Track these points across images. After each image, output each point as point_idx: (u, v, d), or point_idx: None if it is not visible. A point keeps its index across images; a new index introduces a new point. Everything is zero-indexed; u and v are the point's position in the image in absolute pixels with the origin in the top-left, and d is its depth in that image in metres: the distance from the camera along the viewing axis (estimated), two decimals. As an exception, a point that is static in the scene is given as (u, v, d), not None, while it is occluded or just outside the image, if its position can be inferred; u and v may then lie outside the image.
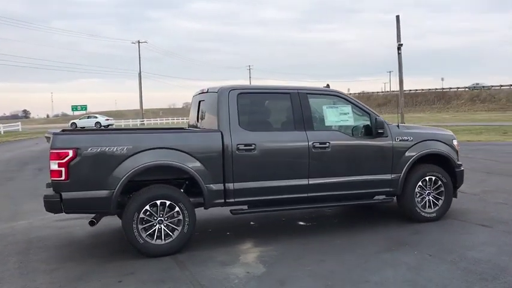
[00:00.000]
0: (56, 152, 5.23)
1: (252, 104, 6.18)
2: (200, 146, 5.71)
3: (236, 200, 5.86)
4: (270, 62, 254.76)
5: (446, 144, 6.92)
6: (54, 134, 5.33)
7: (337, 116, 6.43)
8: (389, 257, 5.27)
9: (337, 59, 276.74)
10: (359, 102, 6.58)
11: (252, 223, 7.10)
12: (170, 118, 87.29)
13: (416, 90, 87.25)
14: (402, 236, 6.12)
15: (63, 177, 5.22)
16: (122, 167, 5.38)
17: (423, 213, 6.70)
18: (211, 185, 5.71)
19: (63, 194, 5.25)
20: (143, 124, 68.95)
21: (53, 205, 5.29)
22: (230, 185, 5.78)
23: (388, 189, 6.54)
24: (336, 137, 6.27)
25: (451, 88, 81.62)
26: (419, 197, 6.69)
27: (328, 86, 6.81)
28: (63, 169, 5.22)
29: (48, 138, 5.78)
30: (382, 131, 6.36)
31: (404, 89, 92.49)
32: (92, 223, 5.57)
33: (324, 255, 5.42)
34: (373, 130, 6.39)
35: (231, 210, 5.98)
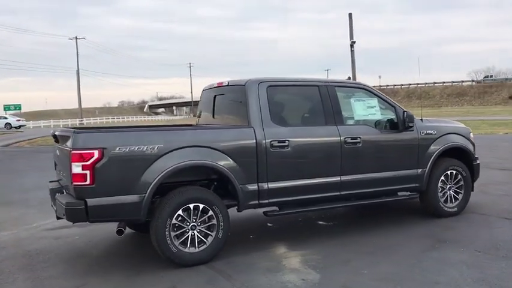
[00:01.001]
0: (79, 153, 4.57)
1: (282, 98, 5.78)
2: (233, 144, 5.23)
3: (270, 200, 5.43)
4: (207, 60, 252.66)
5: (464, 137, 6.84)
6: (76, 131, 4.66)
7: (364, 110, 6.16)
8: (440, 256, 5.04)
9: (274, 57, 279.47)
10: (384, 95, 6.35)
11: (269, 224, 6.69)
12: (105, 117, 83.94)
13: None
14: (435, 232, 5.95)
15: (87, 182, 4.58)
16: (153, 168, 4.81)
17: (446, 208, 6.58)
18: (245, 185, 5.25)
19: (88, 200, 4.60)
20: (82, 124, 65.97)
21: (77, 213, 4.63)
22: (264, 185, 5.35)
23: (414, 185, 6.35)
24: (365, 131, 5.99)
25: (388, 85, 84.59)
26: (441, 191, 6.56)
27: (349, 78, 6.52)
28: (87, 172, 4.57)
29: (59, 137, 5.10)
30: (412, 125, 6.16)
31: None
32: (120, 232, 4.93)
33: (371, 256, 5.12)
34: (399, 124, 6.17)
35: (264, 212, 5.54)
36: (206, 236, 5.07)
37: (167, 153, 4.87)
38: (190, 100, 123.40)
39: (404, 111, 6.16)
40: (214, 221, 5.07)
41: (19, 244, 6.19)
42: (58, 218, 5.53)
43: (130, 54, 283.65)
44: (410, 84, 79.30)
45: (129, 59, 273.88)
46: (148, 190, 4.77)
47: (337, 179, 5.76)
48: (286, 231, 6.34)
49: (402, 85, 79.45)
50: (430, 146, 6.43)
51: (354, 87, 6.25)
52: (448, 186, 6.62)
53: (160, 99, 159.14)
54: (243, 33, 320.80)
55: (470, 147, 6.86)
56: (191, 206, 4.97)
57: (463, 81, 74.52)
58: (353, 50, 28.96)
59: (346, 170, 5.80)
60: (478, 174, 6.99)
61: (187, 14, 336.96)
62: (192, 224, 5.00)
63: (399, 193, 6.50)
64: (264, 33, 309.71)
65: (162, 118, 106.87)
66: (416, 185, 6.35)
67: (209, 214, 5.05)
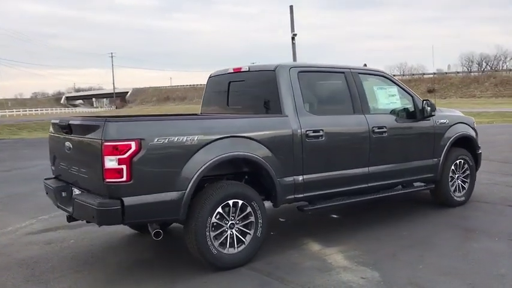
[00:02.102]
0: (114, 145, 3.93)
1: (312, 84, 5.41)
2: (270, 134, 4.80)
3: (305, 195, 5.06)
4: (128, 50, 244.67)
5: (470, 126, 6.87)
6: (108, 120, 4.00)
7: (386, 98, 5.97)
8: (482, 246, 4.96)
9: (196, 48, 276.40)
10: (402, 84, 6.19)
11: (281, 219, 6.33)
12: (16, 110, 77.80)
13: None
14: (455, 222, 5.90)
15: (124, 178, 3.95)
16: (193, 162, 4.27)
17: (455, 198, 6.59)
18: (283, 179, 4.85)
19: (125, 199, 3.97)
20: (5, 116, 60.83)
21: (111, 215, 3.98)
22: (299, 178, 4.97)
23: (430, 175, 6.26)
24: (389, 120, 5.78)
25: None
26: (451, 181, 6.55)
27: (365, 65, 6.30)
28: (124, 167, 3.94)
29: (76, 126, 4.41)
30: (434, 114, 6.06)
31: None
32: (158, 234, 4.32)
33: (413, 249, 4.92)
34: (417, 113, 6.03)
35: (299, 207, 5.15)
36: (244, 235, 4.62)
37: (207, 144, 4.35)
38: (111, 91, 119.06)
39: (424, 100, 6.04)
40: (253, 218, 4.63)
41: (4, 252, 5.34)
42: (71, 220, 4.87)
43: (43, 42, 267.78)
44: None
45: (42, 47, 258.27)
46: (189, 186, 4.22)
47: (366, 170, 5.51)
48: (305, 226, 6.00)
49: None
50: (444, 135, 6.38)
51: (375, 74, 6.01)
52: (457, 175, 6.62)
53: (78, 90, 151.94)
54: (164, 23, 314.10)
55: (475, 136, 6.91)
56: (230, 202, 4.50)
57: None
58: (294, 43, 29.02)
59: (373, 161, 5.57)
60: (480, 163, 7.07)
61: (106, 2, 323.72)
62: (230, 223, 4.52)
63: (415, 184, 6.39)
64: (186, 24, 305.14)
65: (83, 110, 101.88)
66: (432, 175, 6.27)
67: (247, 211, 4.60)
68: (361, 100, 5.56)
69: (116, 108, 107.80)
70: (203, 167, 4.28)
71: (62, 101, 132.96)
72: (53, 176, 5.27)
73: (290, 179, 4.89)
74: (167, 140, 4.13)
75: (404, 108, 6.02)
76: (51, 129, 5.17)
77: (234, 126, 4.64)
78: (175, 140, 4.18)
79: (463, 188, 6.70)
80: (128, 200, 3.97)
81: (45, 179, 5.28)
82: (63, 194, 4.79)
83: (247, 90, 5.55)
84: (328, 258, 4.76)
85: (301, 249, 5.06)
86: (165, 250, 5.29)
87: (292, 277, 4.28)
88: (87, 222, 4.70)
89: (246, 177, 4.91)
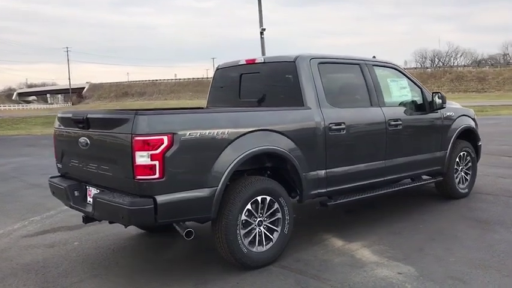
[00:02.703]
0: (145, 140, 3.67)
1: (332, 76, 5.27)
2: (295, 127, 4.64)
3: (328, 189, 4.94)
4: (84, 44, 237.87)
5: (471, 118, 6.93)
6: (138, 113, 3.73)
7: (398, 90, 5.92)
8: (502, 238, 4.97)
9: (154, 43, 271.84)
10: (412, 76, 6.16)
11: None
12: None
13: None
14: (467, 214, 5.93)
15: (156, 175, 3.70)
16: (225, 156, 4.06)
17: (460, 190, 6.64)
18: (308, 173, 4.70)
19: (157, 197, 3.72)
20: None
21: (144, 215, 3.72)
22: (322, 172, 4.84)
23: (437, 167, 6.27)
24: (402, 113, 5.73)
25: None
26: (455, 173, 6.59)
27: (374, 57, 6.22)
28: (156, 163, 3.69)
29: (98, 120, 4.12)
30: (445, 106, 6.05)
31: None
32: (189, 234, 4.06)
33: (437, 243, 4.88)
34: (426, 105, 6.01)
35: (321, 202, 5.01)
36: (272, 232, 4.45)
37: (238, 138, 4.15)
38: (67, 87, 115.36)
39: (434, 93, 6.03)
40: (280, 215, 4.47)
41: (4, 257, 4.97)
42: (88, 220, 4.58)
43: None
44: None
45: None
46: (221, 182, 4.01)
47: (383, 163, 5.44)
48: (319, 222, 5.87)
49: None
50: (450, 128, 6.40)
51: (387, 66, 5.94)
52: (461, 167, 6.67)
53: (30, 86, 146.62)
54: (120, 18, 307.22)
55: (476, 128, 6.98)
56: (259, 198, 4.32)
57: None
58: (263, 38, 28.90)
59: (389, 154, 5.51)
60: (480, 155, 7.16)
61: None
62: (259, 220, 4.34)
63: (423, 177, 6.39)
64: (142, 18, 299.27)
65: (38, 107, 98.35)
66: (439, 167, 6.28)
67: (275, 207, 4.43)
68: (377, 92, 5.49)
69: (72, 104, 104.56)
70: (235, 162, 4.08)
71: (13, 97, 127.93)
72: (59, 174, 4.93)
73: (314, 173, 4.76)
74: (199, 133, 3.91)
75: (414, 101, 6.00)
76: (57, 124, 4.83)
77: (261, 119, 4.45)
78: (207, 133, 3.96)
79: (466, 179, 6.76)
80: (161, 199, 3.73)
81: (51, 177, 4.93)
82: (76, 193, 4.48)
83: (263, 83, 5.36)
84: (356, 254, 4.65)
85: (324, 245, 4.94)
86: (181, 249, 5.06)
87: (326, 274, 4.15)
88: (109, 223, 4.40)
89: (268, 172, 4.74)
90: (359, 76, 5.43)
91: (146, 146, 3.66)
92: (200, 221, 4.17)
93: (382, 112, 5.43)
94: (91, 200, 4.26)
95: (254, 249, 4.29)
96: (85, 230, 5.74)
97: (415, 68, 76.28)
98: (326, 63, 5.15)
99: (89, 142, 4.20)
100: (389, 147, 5.50)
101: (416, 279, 4.00)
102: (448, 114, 6.36)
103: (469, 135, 6.82)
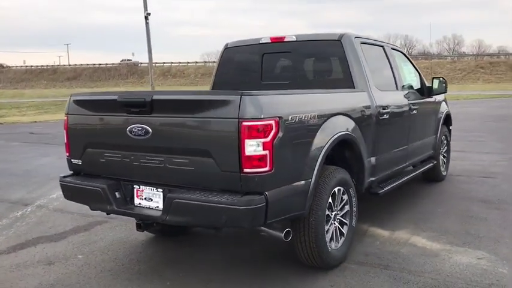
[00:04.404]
0: (255, 125, 3.02)
1: (370, 58, 4.95)
2: (358, 111, 4.27)
3: (376, 177, 4.67)
4: None
5: (446, 104, 7.20)
6: (245, 94, 3.04)
7: (409, 75, 5.86)
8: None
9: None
10: (412, 61, 6.15)
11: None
12: None
13: (107, 64, 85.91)
14: (463, 195, 6.12)
15: (267, 167, 3.08)
16: (316, 144, 3.56)
17: (443, 172, 6.87)
18: (367, 160, 4.39)
19: (268, 193, 3.10)
20: None
21: (258, 215, 3.06)
22: (373, 159, 4.56)
23: (431, 152, 6.38)
24: (415, 97, 5.68)
25: (142, 63, 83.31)
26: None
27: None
28: (267, 153, 3.07)
29: (120, 103, 3.34)
30: (447, 91, 6.14)
31: (87, 62, 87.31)
32: (289, 234, 3.44)
33: (476, 225, 4.90)
34: (425, 90, 6.04)
35: (373, 192, 4.71)
36: (342, 226, 4.05)
37: (324, 122, 3.66)
38: None
39: (435, 78, 6.08)
40: (348, 207, 4.09)
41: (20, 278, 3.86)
42: (145, 228, 3.75)
43: None
44: (164, 63, 79.95)
45: None
46: (314, 173, 3.51)
47: (406, 148, 5.34)
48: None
49: (156, 63, 79.66)
50: (439, 112, 6.57)
51: (397, 50, 5.83)
52: (442, 151, 6.90)
53: None
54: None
55: None
56: (336, 190, 3.89)
57: (214, 62, 79.81)
58: (148, 23, 27.47)
59: (411, 139, 5.44)
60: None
61: None
62: (334, 213, 3.92)
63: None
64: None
65: None
66: (433, 151, 6.40)
67: (345, 199, 4.04)
68: (400, 76, 5.37)
69: None
70: (325, 149, 3.60)
71: None
72: (73, 173, 3.94)
73: (369, 160, 4.46)
74: (297, 118, 3.35)
75: (418, 85, 6.00)
76: (73, 109, 3.83)
77: (335, 103, 4.00)
78: (304, 118, 3.42)
79: (444, 162, 7.01)
80: (271, 195, 3.12)
81: (64, 177, 3.92)
82: (117, 194, 3.60)
83: (297, 63, 4.88)
84: (414, 243, 4.46)
85: (373, 236, 4.67)
86: (218, 252, 4.39)
87: (412, 266, 3.90)
88: (192, 228, 3.61)
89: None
90: (385, 59, 5.25)
91: (256, 132, 3.02)
92: (292, 218, 3.58)
93: (405, 96, 5.31)
94: (150, 201, 3.47)
95: (333, 247, 3.86)
96: (71, 240, 4.82)
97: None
98: (365, 43, 4.85)
99: (150, 130, 3.36)
100: (411, 132, 5.42)
101: (501, 263, 3.94)
102: (438, 99, 6.51)
103: (447, 120, 7.08)
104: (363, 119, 4.29)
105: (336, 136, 3.73)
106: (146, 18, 27.27)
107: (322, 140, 3.60)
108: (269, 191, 3.10)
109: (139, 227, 3.77)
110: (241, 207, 3.00)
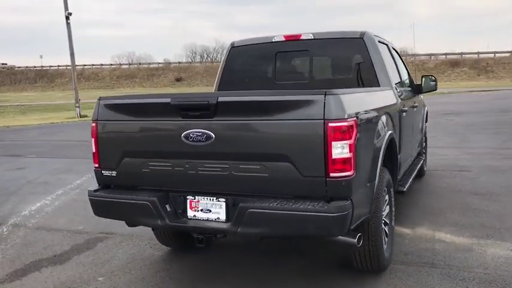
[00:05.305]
0: (341, 126, 2.84)
1: (385, 56, 4.93)
2: (390, 108, 4.22)
3: (400, 175, 4.66)
4: None
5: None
6: (329, 92, 2.84)
7: (404, 72, 5.92)
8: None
9: None
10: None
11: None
12: None
13: (16, 67, 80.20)
14: (452, 188, 6.33)
15: (351, 170, 2.91)
16: (376, 144, 3.45)
17: (424, 168, 7.07)
18: (399, 157, 4.36)
19: (353, 198, 2.94)
20: None
21: (345, 221, 2.88)
22: (399, 157, 4.54)
23: (419, 148, 6.53)
24: (412, 94, 5.74)
25: (51, 66, 78.65)
26: (420, 153, 6.99)
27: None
28: (351, 155, 2.91)
29: (175, 107, 3.07)
30: (436, 89, 6.27)
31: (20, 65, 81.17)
32: (360, 239, 3.26)
33: (487, 218, 5.06)
34: (414, 87, 6.16)
35: (401, 191, 4.67)
36: (385, 226, 3.99)
37: (378, 121, 3.57)
38: None
39: (424, 76, 6.20)
40: (389, 207, 4.03)
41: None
42: (202, 243, 3.38)
43: None
44: (76, 65, 75.86)
45: None
46: (377, 174, 3.40)
47: (413, 144, 5.41)
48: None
49: (68, 66, 75.45)
50: (423, 110, 6.74)
51: (394, 48, 5.85)
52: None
53: None
54: None
55: None
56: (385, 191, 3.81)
57: (130, 64, 77.28)
58: (69, 23, 25.94)
59: (414, 135, 5.53)
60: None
61: None
62: (380, 213, 3.84)
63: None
64: None
65: None
66: (420, 147, 6.56)
67: (388, 200, 3.98)
68: (402, 74, 5.42)
69: None
70: (383, 150, 3.51)
71: None
72: (105, 186, 3.51)
73: (399, 158, 4.43)
74: (365, 117, 3.23)
75: (411, 83, 6.10)
76: (105, 113, 3.40)
77: (379, 100, 3.90)
78: (368, 117, 3.31)
79: (425, 158, 7.23)
80: (356, 199, 2.96)
81: (95, 191, 3.48)
82: (168, 207, 3.25)
83: (315, 62, 4.75)
84: (442, 239, 4.50)
85: (399, 235, 4.64)
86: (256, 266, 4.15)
87: (455, 262, 3.93)
88: (270, 238, 3.34)
89: None
90: (392, 57, 5.26)
91: (341, 134, 2.85)
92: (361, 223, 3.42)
93: (410, 93, 5.39)
94: (208, 212, 3.17)
95: (384, 249, 3.77)
96: (81, 260, 4.39)
97: (200, 62, 78.85)
98: (380, 42, 4.82)
99: (213, 135, 3.05)
100: (414, 129, 5.51)
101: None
102: (422, 97, 6.68)
103: (427, 117, 7.30)
104: (394, 117, 4.26)
105: (388, 135, 3.67)
106: (67, 18, 25.77)
107: (381, 139, 3.51)
108: (353, 195, 2.94)
109: (200, 242, 3.41)
110: (333, 214, 2.81)
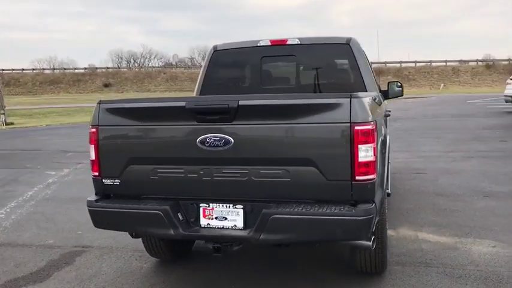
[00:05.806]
0: (366, 129, 2.85)
1: (367, 62, 5.03)
2: (383, 114, 4.31)
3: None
4: None
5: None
6: (353, 95, 2.83)
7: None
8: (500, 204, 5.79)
9: None
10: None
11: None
12: None
13: None
14: (425, 190, 6.59)
15: (375, 173, 2.92)
16: (380, 146, 3.49)
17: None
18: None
19: (376, 203, 2.96)
20: None
21: (370, 225, 2.88)
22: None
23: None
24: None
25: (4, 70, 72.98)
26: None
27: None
28: (375, 158, 2.93)
29: (190, 110, 2.99)
30: (403, 95, 6.47)
31: None
32: (374, 242, 3.24)
33: (461, 217, 5.31)
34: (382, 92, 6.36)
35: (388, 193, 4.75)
36: (380, 229, 4.06)
37: (384, 123, 3.65)
38: None
39: (391, 82, 6.38)
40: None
41: None
42: (220, 252, 3.23)
43: None
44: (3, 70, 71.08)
45: None
46: (385, 177, 3.46)
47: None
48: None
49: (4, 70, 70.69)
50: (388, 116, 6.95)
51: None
52: (384, 151, 7.33)
53: None
54: None
55: None
56: (384, 193, 3.88)
57: (44, 69, 73.85)
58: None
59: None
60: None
61: None
62: (379, 217, 3.90)
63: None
64: None
65: None
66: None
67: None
68: (376, 79, 5.56)
69: None
70: (387, 153, 3.57)
71: None
72: (105, 195, 3.29)
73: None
74: (378, 119, 3.28)
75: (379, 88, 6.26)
76: (107, 118, 3.19)
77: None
78: (379, 120, 3.36)
79: (385, 162, 7.47)
80: (378, 204, 2.98)
81: (95, 201, 3.24)
82: (180, 216, 3.11)
83: (301, 67, 4.75)
84: (426, 239, 4.65)
85: (424, 242, 4.70)
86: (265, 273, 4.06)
87: (447, 261, 4.08)
88: (289, 245, 3.25)
89: None
90: (368, 63, 5.38)
91: (365, 137, 2.86)
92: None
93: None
94: (223, 220, 3.07)
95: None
96: (62, 276, 4.09)
97: (135, 68, 76.90)
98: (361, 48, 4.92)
99: (231, 140, 2.95)
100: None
101: (514, 248, 4.32)
102: (386, 102, 6.88)
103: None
104: (385, 120, 4.36)
105: (387, 138, 3.73)
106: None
107: (384, 142, 3.58)
108: (376, 198, 2.96)
109: (217, 251, 3.26)
110: (361, 217, 2.81)
